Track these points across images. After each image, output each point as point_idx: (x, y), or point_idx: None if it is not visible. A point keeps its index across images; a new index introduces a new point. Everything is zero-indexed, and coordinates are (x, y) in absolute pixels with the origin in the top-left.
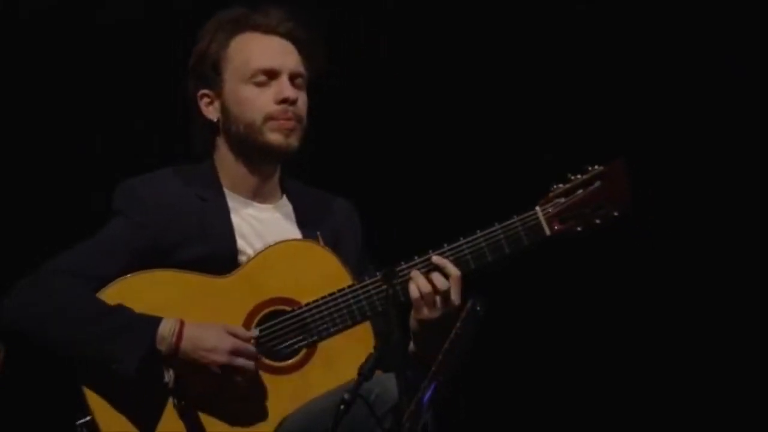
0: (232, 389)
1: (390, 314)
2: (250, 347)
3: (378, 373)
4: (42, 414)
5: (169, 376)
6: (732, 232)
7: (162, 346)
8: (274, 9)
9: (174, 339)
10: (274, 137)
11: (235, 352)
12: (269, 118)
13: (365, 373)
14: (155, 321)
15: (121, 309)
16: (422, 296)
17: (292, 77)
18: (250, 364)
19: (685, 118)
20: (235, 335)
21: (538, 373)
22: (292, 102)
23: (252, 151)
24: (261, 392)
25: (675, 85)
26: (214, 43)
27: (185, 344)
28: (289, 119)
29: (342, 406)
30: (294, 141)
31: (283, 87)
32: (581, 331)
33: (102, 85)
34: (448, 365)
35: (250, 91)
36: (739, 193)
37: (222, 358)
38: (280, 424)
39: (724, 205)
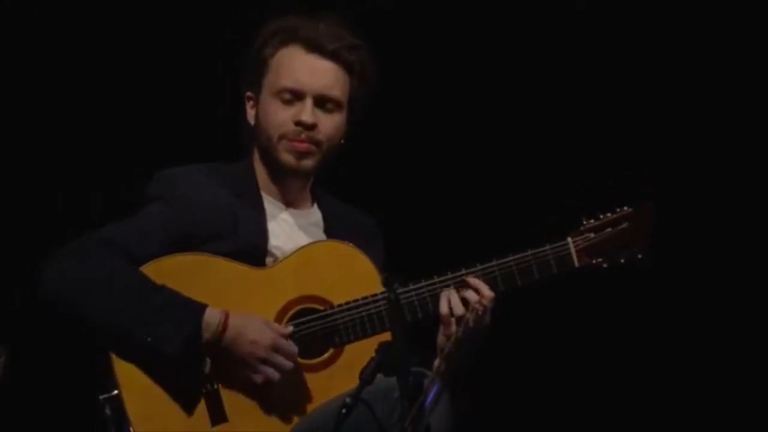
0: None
1: (392, 319)
2: (291, 345)
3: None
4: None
5: (206, 363)
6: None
7: (207, 333)
8: (326, 24)
9: (220, 328)
10: (286, 157)
11: (276, 348)
12: (283, 137)
13: (366, 377)
14: (202, 306)
15: (167, 288)
16: (452, 313)
17: (320, 100)
18: (287, 363)
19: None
20: (275, 330)
21: (542, 378)
22: (309, 127)
23: (271, 163)
24: (287, 387)
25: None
26: (264, 50)
27: (229, 334)
28: (302, 142)
29: (343, 410)
30: (308, 164)
31: (303, 110)
32: (585, 336)
33: (100, 85)
34: (451, 370)
35: (275, 106)
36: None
37: (262, 353)
38: (299, 421)
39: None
